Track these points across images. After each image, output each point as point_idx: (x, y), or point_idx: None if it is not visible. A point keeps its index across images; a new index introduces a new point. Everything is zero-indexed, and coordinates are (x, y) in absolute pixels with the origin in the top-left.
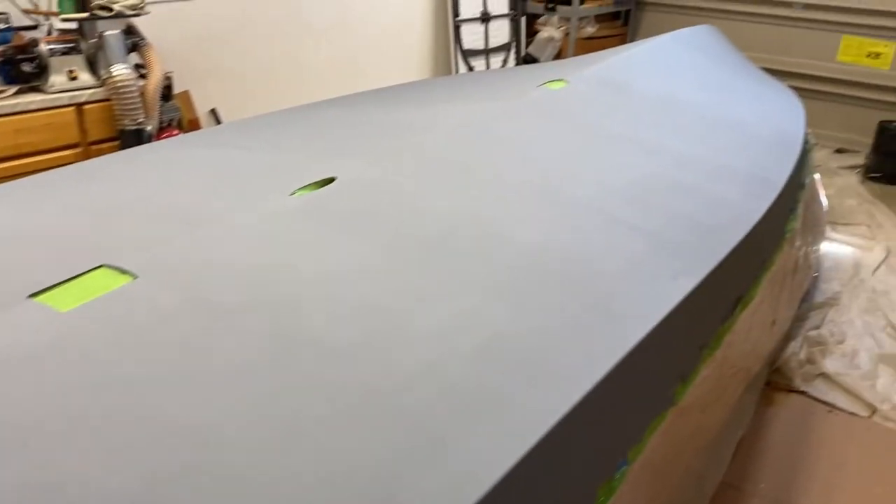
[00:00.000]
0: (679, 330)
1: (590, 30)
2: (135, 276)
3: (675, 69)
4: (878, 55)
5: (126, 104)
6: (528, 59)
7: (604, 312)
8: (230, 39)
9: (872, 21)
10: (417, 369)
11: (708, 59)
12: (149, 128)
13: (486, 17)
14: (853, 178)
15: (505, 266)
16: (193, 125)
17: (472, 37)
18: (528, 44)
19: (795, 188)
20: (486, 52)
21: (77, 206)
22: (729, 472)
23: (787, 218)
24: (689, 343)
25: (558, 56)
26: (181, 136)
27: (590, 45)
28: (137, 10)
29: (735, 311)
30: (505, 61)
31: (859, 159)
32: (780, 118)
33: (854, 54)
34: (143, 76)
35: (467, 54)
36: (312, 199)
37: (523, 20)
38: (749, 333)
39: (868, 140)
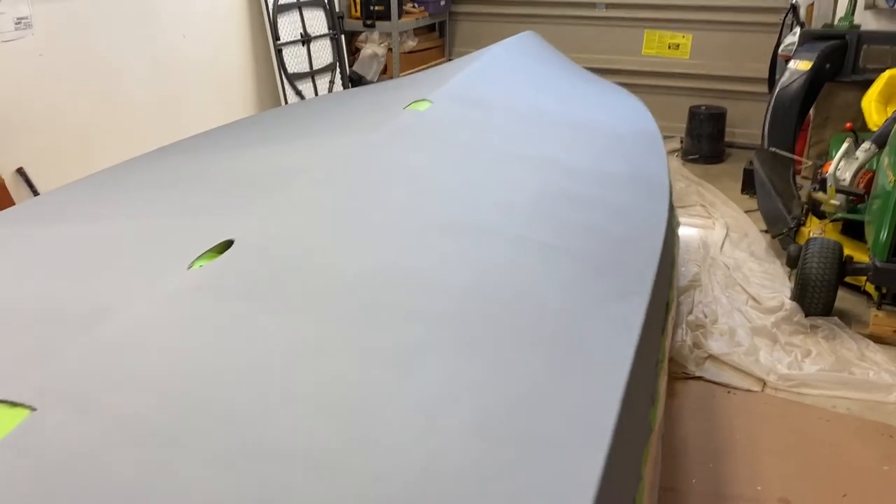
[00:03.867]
0: (644, 351)
1: (411, 43)
2: (31, 408)
3: (520, 78)
4: (678, 46)
5: None
6: (354, 78)
7: (573, 356)
8: (30, 90)
9: (670, 15)
10: (411, 469)
11: (541, 64)
12: None
13: (306, 39)
14: (675, 162)
15: (450, 319)
16: None
17: (295, 60)
18: (351, 62)
19: (671, 181)
20: (312, 74)
21: None
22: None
23: (672, 213)
24: (650, 363)
25: (384, 72)
26: (5, 214)
27: (412, 58)
28: None
29: (667, 318)
30: (332, 82)
31: (676, 143)
32: (631, 115)
33: (656, 47)
34: None
35: (293, 78)
36: (216, 272)
37: (343, 38)
38: (672, 334)
39: (682, 125)
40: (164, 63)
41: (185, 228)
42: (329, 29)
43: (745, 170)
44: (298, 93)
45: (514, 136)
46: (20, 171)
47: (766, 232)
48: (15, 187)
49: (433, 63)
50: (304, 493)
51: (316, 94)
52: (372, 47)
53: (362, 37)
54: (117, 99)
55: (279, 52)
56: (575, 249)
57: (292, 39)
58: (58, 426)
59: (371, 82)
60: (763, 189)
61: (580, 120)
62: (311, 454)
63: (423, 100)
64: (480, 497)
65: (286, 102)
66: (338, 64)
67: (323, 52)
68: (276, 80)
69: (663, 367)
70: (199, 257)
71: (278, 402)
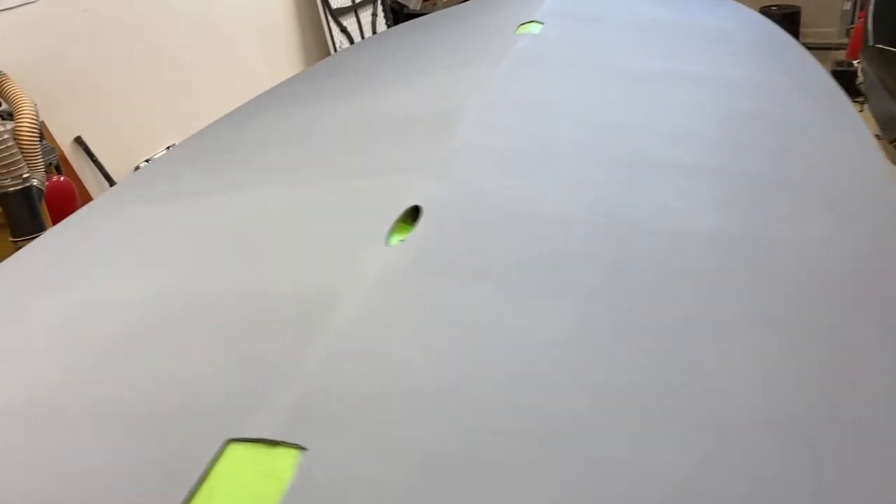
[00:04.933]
0: None
1: None
2: (298, 447)
3: None
4: None
5: (1, 159)
6: (395, 9)
7: (886, 310)
8: (76, 50)
9: None
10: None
11: None
12: (35, 182)
13: None
14: None
15: (711, 279)
16: (62, 162)
17: None
18: None
19: None
20: (355, 7)
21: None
22: None
23: None
24: None
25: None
26: (122, 189)
27: None
28: None
29: None
30: (374, 15)
31: None
32: (747, 20)
33: None
34: (3, 117)
35: (336, 14)
36: (423, 246)
37: None
38: None
39: None
40: (208, 9)
41: (352, 195)
42: None
43: (833, 72)
44: (343, 29)
45: (651, 53)
46: (78, 141)
47: (878, 137)
48: (75, 158)
49: None
50: None
51: (360, 29)
52: None
53: None
54: (163, 51)
55: None
56: (803, 181)
57: None
58: (343, 470)
59: (414, 12)
60: (874, 91)
61: (704, 29)
62: (663, 474)
63: (532, 21)
64: None
65: (332, 40)
66: None
67: None
68: (319, 16)
69: None
70: (393, 230)
71: (592, 407)
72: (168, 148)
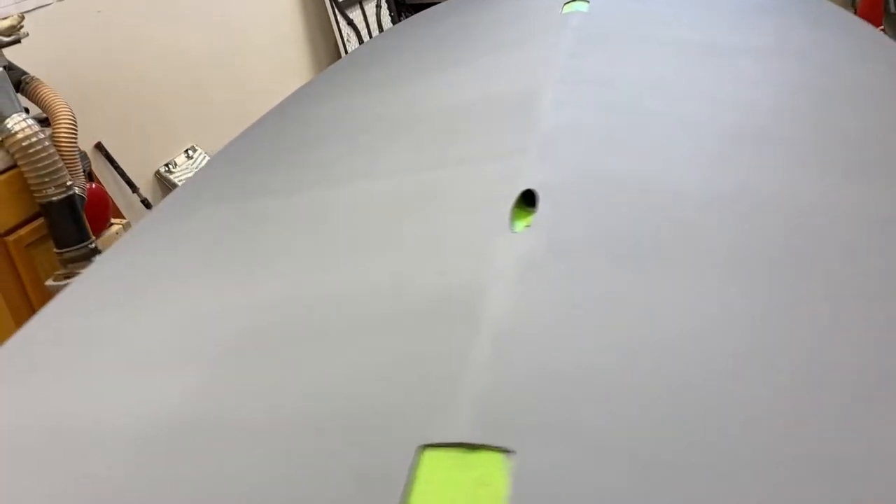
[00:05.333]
0: None
1: None
2: (503, 450)
3: None
4: None
5: (44, 167)
6: (399, 0)
7: None
8: (92, 53)
9: None
10: None
11: None
12: (77, 189)
13: None
14: None
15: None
16: None
17: None
18: None
19: None
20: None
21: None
22: None
23: None
24: None
25: None
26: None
27: None
28: (15, 34)
29: None
30: (378, 7)
31: None
32: None
33: None
34: (41, 122)
35: (342, 7)
36: (554, 230)
37: None
38: None
39: None
40: (219, 7)
41: (458, 182)
42: None
43: None
44: (350, 22)
45: (706, 27)
46: (99, 147)
47: None
48: (95, 164)
49: None
50: None
51: (366, 21)
52: None
53: None
54: (176, 51)
55: None
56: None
57: None
58: (562, 474)
59: (420, 2)
60: None
61: (749, 1)
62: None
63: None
64: None
65: (340, 34)
66: None
67: None
68: (326, 10)
69: None
70: (515, 217)
71: (788, 397)
72: (187, 151)
